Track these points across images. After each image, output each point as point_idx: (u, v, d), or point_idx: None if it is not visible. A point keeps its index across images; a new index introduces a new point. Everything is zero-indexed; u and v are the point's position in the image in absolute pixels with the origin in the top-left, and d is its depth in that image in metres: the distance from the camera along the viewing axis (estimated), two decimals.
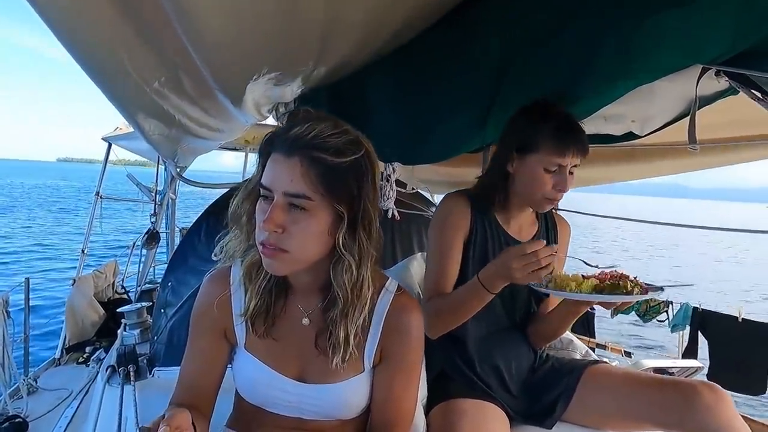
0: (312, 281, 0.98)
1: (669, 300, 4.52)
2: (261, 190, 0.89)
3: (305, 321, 1.01)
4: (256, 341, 1.01)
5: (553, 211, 1.52)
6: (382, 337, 1.00)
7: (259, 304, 0.98)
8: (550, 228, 1.51)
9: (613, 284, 1.17)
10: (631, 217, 1.91)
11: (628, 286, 1.17)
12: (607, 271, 1.24)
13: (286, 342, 1.01)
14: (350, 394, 1.00)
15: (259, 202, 0.90)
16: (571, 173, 1.29)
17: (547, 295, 1.46)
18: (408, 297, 1.04)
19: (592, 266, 1.32)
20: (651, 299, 4.62)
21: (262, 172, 0.90)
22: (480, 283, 1.21)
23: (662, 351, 6.94)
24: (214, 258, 1.05)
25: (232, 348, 1.06)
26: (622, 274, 1.21)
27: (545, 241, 1.13)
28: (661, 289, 1.22)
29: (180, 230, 4.87)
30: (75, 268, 4.97)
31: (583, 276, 1.23)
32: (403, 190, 3.06)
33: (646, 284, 1.21)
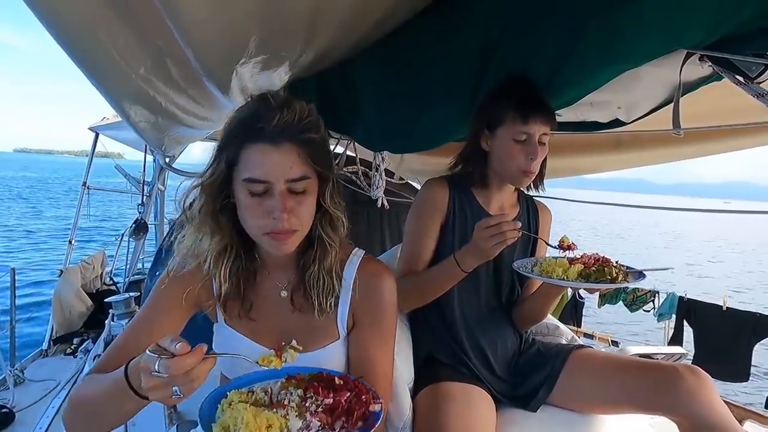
0: (294, 252, 1.01)
1: (656, 290, 4.58)
2: (247, 183, 0.89)
3: (283, 293, 1.05)
4: (235, 317, 1.04)
5: (534, 198, 1.55)
6: (353, 302, 1.03)
7: (230, 286, 1.01)
8: (531, 212, 1.53)
9: (599, 270, 1.19)
10: (606, 204, 1.93)
11: (613, 272, 1.19)
12: (589, 254, 1.25)
13: (264, 315, 1.04)
14: (327, 361, 1.02)
15: (244, 195, 0.91)
16: (543, 143, 1.33)
17: None
18: (376, 262, 1.09)
19: (554, 247, 1.36)
20: (638, 289, 4.68)
21: (232, 166, 0.91)
22: (455, 259, 1.27)
23: (650, 342, 7.06)
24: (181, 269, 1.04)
25: (210, 326, 1.09)
26: (603, 257, 1.23)
27: (508, 216, 1.19)
28: (643, 275, 1.23)
29: (169, 221, 4.84)
30: (59, 257, 4.93)
31: (568, 261, 1.24)
32: (392, 180, 3.07)
33: (627, 268, 1.23)
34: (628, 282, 1.20)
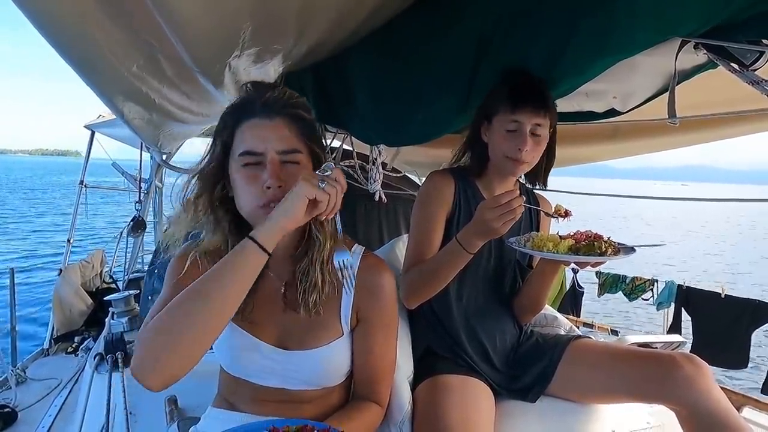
0: (289, 244, 1.02)
1: (654, 278, 4.59)
2: (243, 157, 0.92)
3: (282, 289, 1.03)
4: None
5: (535, 190, 1.55)
6: (356, 298, 1.03)
7: None
8: (532, 204, 1.52)
9: (588, 245, 1.20)
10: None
11: (603, 246, 1.19)
12: (582, 231, 1.25)
13: (265, 310, 1.02)
14: (331, 358, 1.02)
15: (239, 171, 0.93)
16: (537, 134, 1.31)
17: (530, 264, 1.50)
18: (375, 257, 1.09)
19: (552, 216, 1.37)
20: (637, 278, 4.70)
21: (227, 148, 0.94)
22: (458, 243, 1.25)
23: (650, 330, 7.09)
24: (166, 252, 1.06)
25: None
26: (596, 234, 1.24)
27: (517, 191, 1.17)
28: (633, 249, 1.24)
29: (167, 218, 4.81)
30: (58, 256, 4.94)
31: (560, 236, 1.25)
32: (389, 173, 3.06)
33: (618, 244, 1.23)
34: (616, 256, 1.20)
